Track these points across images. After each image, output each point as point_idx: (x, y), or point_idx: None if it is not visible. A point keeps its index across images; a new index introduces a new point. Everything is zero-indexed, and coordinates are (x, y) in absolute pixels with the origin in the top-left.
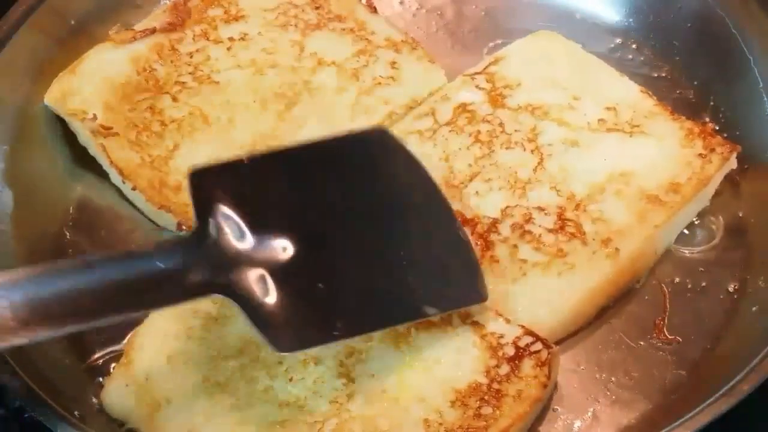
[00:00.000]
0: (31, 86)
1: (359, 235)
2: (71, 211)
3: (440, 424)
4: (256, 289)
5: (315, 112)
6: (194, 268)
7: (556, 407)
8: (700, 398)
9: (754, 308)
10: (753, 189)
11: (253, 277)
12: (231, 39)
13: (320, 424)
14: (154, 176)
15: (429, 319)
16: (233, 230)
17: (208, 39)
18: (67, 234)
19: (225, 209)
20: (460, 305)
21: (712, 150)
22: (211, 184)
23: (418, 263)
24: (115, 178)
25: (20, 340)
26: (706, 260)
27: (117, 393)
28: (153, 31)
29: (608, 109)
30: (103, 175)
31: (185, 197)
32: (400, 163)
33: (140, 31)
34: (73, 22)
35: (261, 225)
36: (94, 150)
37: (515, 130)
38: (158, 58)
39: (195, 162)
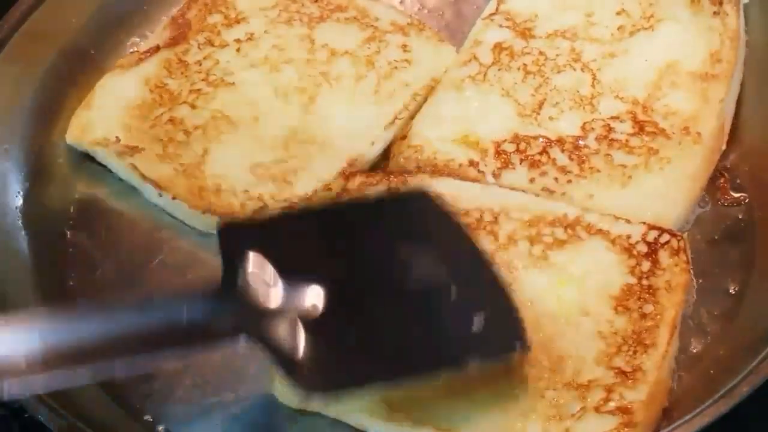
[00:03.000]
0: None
1: (392, 290)
2: (71, 211)
3: (614, 333)
4: (284, 336)
5: (339, 101)
6: (219, 317)
7: None
8: (700, 398)
9: (754, 308)
10: (753, 189)
11: (281, 325)
12: (238, 41)
13: None
14: (191, 183)
15: (561, 237)
16: (262, 281)
17: (213, 45)
18: (68, 234)
19: (254, 260)
20: (500, 355)
21: (720, 3)
22: (240, 237)
23: (454, 317)
24: (151, 195)
25: (33, 386)
26: (706, 260)
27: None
28: (157, 49)
29: (618, 13)
30: (103, 175)
31: (227, 198)
32: (439, 223)
33: (144, 52)
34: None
35: (292, 277)
36: (125, 173)
37: (557, 55)
38: (168, 73)
39: (229, 163)
